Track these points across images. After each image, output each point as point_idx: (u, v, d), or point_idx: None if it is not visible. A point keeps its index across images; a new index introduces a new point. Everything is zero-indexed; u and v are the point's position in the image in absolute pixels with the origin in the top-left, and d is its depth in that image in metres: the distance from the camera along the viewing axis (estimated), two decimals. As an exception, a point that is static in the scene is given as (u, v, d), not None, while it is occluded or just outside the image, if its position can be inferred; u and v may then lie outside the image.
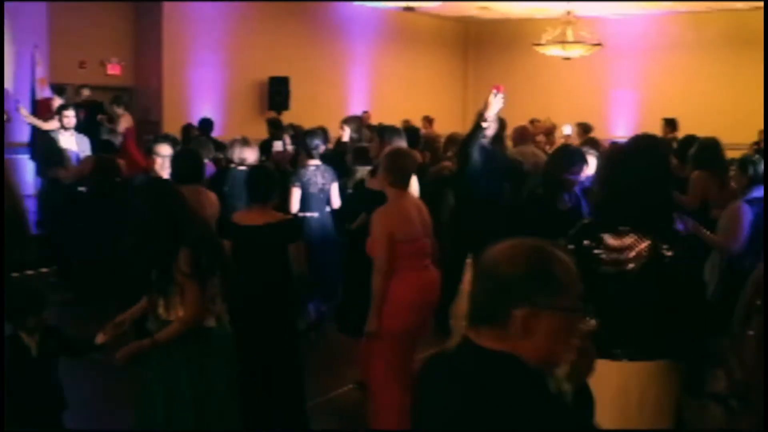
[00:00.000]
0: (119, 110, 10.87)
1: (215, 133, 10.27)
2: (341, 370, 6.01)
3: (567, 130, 11.20)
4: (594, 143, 7.51)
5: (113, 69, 12.66)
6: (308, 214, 6.81)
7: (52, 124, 9.07)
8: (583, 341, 1.92)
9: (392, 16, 16.61)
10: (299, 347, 4.88)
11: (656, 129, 10.67)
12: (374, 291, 4.49)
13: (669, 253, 2.99)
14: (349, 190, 6.80)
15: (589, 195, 4.64)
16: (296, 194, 6.73)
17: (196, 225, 3.80)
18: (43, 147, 9.11)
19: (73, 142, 8.59)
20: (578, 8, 14.58)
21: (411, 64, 17.20)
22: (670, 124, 11.99)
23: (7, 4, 9.40)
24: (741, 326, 3.76)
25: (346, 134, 8.51)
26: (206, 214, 4.86)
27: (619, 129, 15.94)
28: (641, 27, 16.67)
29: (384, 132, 6.54)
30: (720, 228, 5.33)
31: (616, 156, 3.30)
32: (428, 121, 13.97)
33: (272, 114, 13.14)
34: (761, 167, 5.76)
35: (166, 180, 5.39)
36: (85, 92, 11.43)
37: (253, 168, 5.75)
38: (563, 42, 14.43)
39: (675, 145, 7.91)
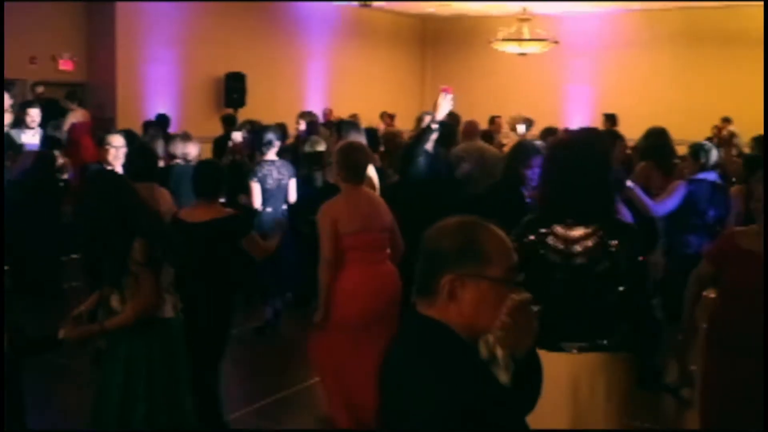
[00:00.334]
0: (72, 106, 10.71)
1: (171, 130, 10.17)
2: (300, 366, 5.98)
3: (521, 129, 11.31)
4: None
5: (65, 64, 12.44)
6: (262, 209, 6.82)
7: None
8: (514, 312, 1.96)
9: (349, 12, 16.57)
10: (226, 347, 4.80)
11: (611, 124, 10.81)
12: (320, 283, 4.56)
13: (614, 244, 3.01)
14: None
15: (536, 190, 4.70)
16: (256, 189, 6.73)
17: (149, 216, 3.81)
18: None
19: (37, 140, 8.43)
20: (534, 5, 14.69)
21: (368, 60, 17.18)
22: (610, 119, 12.08)
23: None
24: (689, 319, 3.82)
25: (302, 129, 8.49)
26: (161, 210, 4.80)
27: (575, 125, 16.07)
28: (596, 24, 16.85)
29: (342, 127, 6.53)
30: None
31: (557, 150, 3.32)
32: (390, 117, 13.95)
33: (229, 111, 13.03)
34: (713, 155, 5.89)
35: (116, 172, 5.34)
36: (39, 89, 11.22)
37: (199, 163, 5.70)
38: (519, 39, 14.53)
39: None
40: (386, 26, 17.80)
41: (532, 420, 3.23)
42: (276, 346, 6.75)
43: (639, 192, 5.19)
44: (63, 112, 10.81)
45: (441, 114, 5.78)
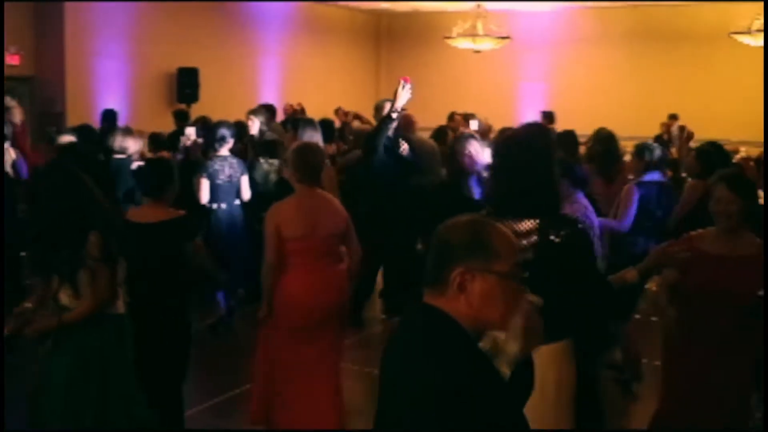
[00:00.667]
0: (12, 102, 10.47)
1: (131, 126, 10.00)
2: (254, 363, 5.93)
3: (474, 125, 11.38)
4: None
5: (11, 59, 12.15)
6: (215, 206, 6.80)
7: None
8: (530, 315, 2.15)
9: (304, 7, 16.49)
10: (187, 350, 4.73)
11: (564, 121, 10.88)
12: (263, 286, 4.57)
13: (557, 239, 3.04)
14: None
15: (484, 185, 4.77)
16: (204, 185, 6.69)
17: (104, 210, 3.79)
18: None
19: None
20: (488, 2, 14.76)
21: (323, 56, 17.12)
22: (548, 116, 12.11)
23: None
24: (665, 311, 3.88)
25: (255, 126, 8.38)
26: None
27: (528, 121, 16.23)
28: (549, 21, 17.02)
29: (299, 124, 6.50)
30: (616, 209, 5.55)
31: (503, 146, 3.34)
32: (345, 113, 13.88)
33: (181, 106, 12.87)
34: (657, 153, 5.98)
35: (71, 167, 5.25)
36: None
37: (147, 161, 5.63)
38: (473, 35, 14.59)
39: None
40: (341, 22, 17.75)
41: None
42: (229, 343, 6.71)
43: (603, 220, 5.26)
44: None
45: (400, 103, 5.86)
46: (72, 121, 10.86)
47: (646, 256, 3.75)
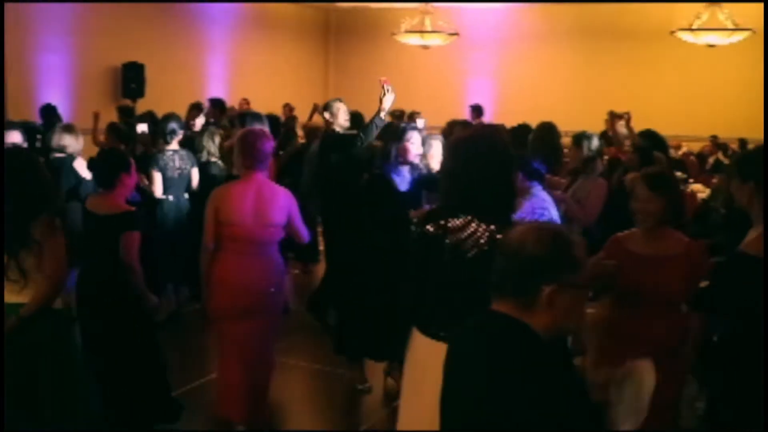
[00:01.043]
0: None
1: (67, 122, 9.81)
2: (199, 361, 5.89)
3: (420, 123, 11.42)
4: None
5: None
6: (164, 197, 6.90)
7: None
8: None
9: (251, 3, 16.34)
10: (148, 342, 4.71)
11: (512, 117, 10.94)
12: (200, 270, 4.60)
13: None
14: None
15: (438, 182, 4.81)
16: (158, 178, 6.78)
17: (57, 194, 3.78)
18: None
19: None
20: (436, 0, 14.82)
21: (271, 51, 16.99)
22: (476, 110, 12.16)
23: None
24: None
25: (199, 122, 8.42)
26: None
27: (484, 123, 16.36)
28: (497, 17, 17.13)
29: (246, 119, 6.48)
30: (582, 201, 5.59)
31: (456, 147, 3.34)
32: (290, 109, 13.81)
33: (127, 102, 12.68)
34: (595, 142, 6.07)
35: (23, 148, 5.21)
36: None
37: (98, 152, 5.63)
38: (421, 31, 14.63)
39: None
40: (289, 18, 17.64)
41: (414, 410, 3.27)
42: (174, 341, 6.63)
43: (571, 205, 5.31)
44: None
45: (387, 105, 6.08)
46: (12, 116, 10.59)
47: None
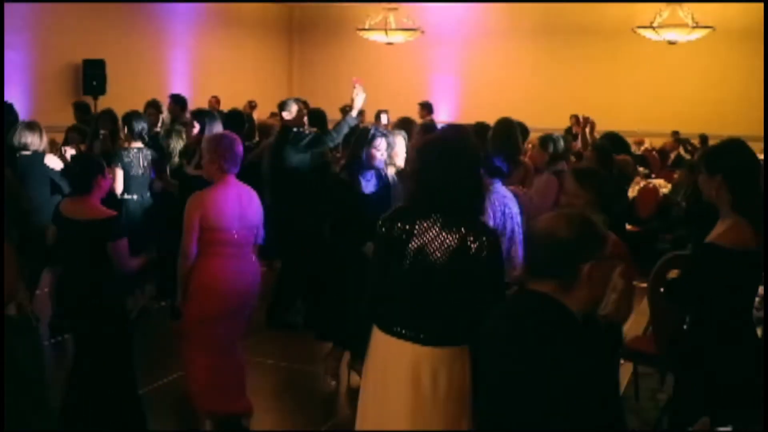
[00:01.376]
0: None
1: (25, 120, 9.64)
2: (161, 362, 5.83)
3: (384, 119, 11.43)
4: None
5: None
6: (127, 196, 6.80)
7: None
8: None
9: (214, 1, 16.21)
10: (126, 343, 4.67)
11: (476, 113, 10.99)
12: (179, 275, 4.55)
13: (474, 245, 3.05)
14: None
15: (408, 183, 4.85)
16: (119, 175, 6.68)
17: (23, 201, 3.68)
18: None
19: None
20: (400, -5, 14.83)
21: (234, 48, 16.87)
22: (426, 107, 12.19)
23: None
24: None
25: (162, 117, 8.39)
26: None
27: (442, 113, 16.39)
28: (460, 14, 17.17)
29: (204, 119, 6.43)
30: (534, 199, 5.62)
31: (425, 148, 3.35)
32: (251, 106, 13.71)
33: (87, 99, 12.49)
34: (561, 144, 6.11)
35: None
36: None
37: (73, 157, 5.63)
38: (386, 28, 14.63)
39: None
40: (252, 13, 17.53)
41: (374, 407, 3.27)
42: (137, 341, 6.55)
43: (526, 200, 5.33)
44: None
45: (358, 104, 6.23)
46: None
47: None
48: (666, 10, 13.41)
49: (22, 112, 10.27)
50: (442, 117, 15.26)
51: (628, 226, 7.72)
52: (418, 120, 9.86)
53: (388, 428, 3.15)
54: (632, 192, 9.60)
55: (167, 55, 15.37)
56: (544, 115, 13.59)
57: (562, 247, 2.32)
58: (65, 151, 6.58)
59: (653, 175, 11.68)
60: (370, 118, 12.30)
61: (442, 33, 16.85)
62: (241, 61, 16.95)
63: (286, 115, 6.97)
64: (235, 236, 4.58)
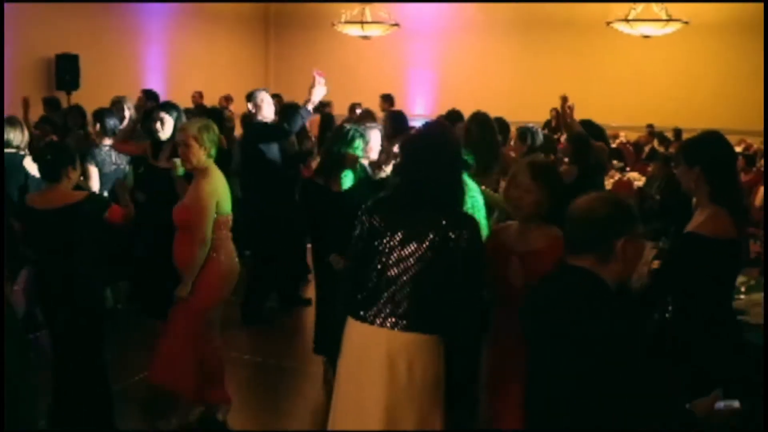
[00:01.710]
0: None
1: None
2: (132, 360, 5.79)
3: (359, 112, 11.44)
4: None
5: None
6: (102, 194, 6.62)
7: None
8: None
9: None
10: (100, 338, 4.65)
11: (453, 107, 11.00)
12: (194, 263, 4.57)
13: (453, 237, 3.09)
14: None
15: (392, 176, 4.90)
16: (94, 173, 6.61)
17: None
18: None
19: None
20: (375, -11, 14.80)
21: (209, 42, 16.77)
22: (387, 99, 12.15)
23: None
24: None
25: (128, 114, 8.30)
26: None
27: (418, 107, 16.42)
28: (436, 8, 17.17)
29: (172, 110, 6.38)
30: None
31: (408, 143, 3.38)
32: (226, 100, 13.62)
33: (60, 94, 12.38)
34: (539, 137, 6.14)
35: None
36: None
37: (44, 145, 5.57)
38: (362, 22, 14.60)
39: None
40: (228, 8, 17.41)
41: (349, 396, 3.28)
42: (110, 339, 6.51)
43: (492, 194, 5.34)
44: None
45: (316, 97, 6.33)
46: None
47: None
48: (640, 3, 13.49)
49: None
50: (418, 111, 15.28)
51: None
52: (379, 113, 9.90)
53: (364, 416, 3.17)
54: (607, 185, 9.65)
55: (142, 50, 15.24)
56: (520, 109, 13.62)
57: (597, 224, 2.53)
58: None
59: (628, 168, 11.75)
60: (343, 110, 12.29)
61: (419, 27, 16.84)
62: (217, 56, 16.84)
63: (251, 107, 7.00)
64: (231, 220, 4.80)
